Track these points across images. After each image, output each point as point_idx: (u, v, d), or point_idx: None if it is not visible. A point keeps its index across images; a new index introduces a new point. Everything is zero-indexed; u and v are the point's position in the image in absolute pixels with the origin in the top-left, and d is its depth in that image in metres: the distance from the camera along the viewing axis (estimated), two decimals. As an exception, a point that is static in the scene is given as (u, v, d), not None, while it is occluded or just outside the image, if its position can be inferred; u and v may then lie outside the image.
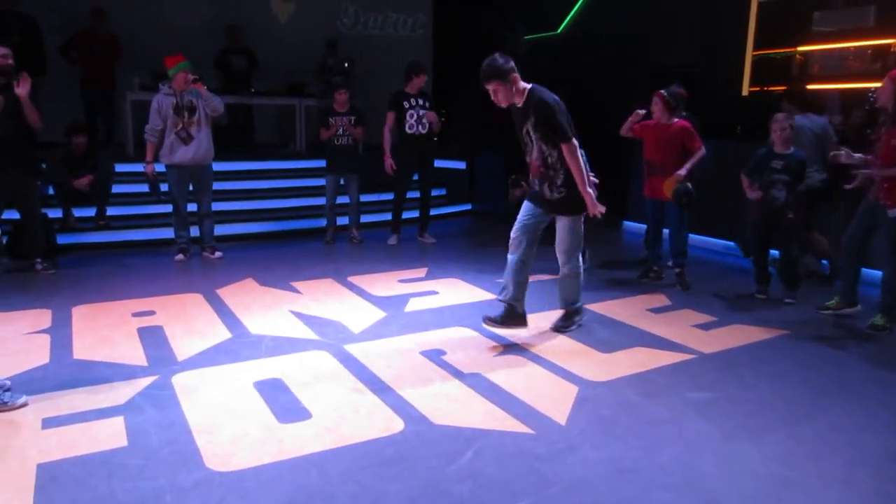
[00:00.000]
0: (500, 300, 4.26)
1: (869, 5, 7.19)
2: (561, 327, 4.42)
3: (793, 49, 7.92)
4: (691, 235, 7.17)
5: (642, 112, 5.56)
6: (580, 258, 4.37)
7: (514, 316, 4.23)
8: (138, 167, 7.03)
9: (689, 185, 5.29)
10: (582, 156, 4.02)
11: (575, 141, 3.95)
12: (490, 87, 3.95)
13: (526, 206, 4.27)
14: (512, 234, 4.25)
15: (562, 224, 4.21)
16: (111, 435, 2.93)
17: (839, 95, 7.32)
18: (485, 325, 4.26)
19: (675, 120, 5.44)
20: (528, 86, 4.00)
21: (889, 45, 7.00)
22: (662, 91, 5.45)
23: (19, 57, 5.50)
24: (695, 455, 2.89)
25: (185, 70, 5.86)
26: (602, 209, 4.07)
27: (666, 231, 5.74)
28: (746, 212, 5.49)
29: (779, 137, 5.05)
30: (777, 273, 5.36)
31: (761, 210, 5.16)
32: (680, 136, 5.37)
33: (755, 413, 3.31)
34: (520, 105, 4.02)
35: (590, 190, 4.02)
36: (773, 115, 5.14)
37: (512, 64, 3.94)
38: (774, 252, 5.34)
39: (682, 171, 5.27)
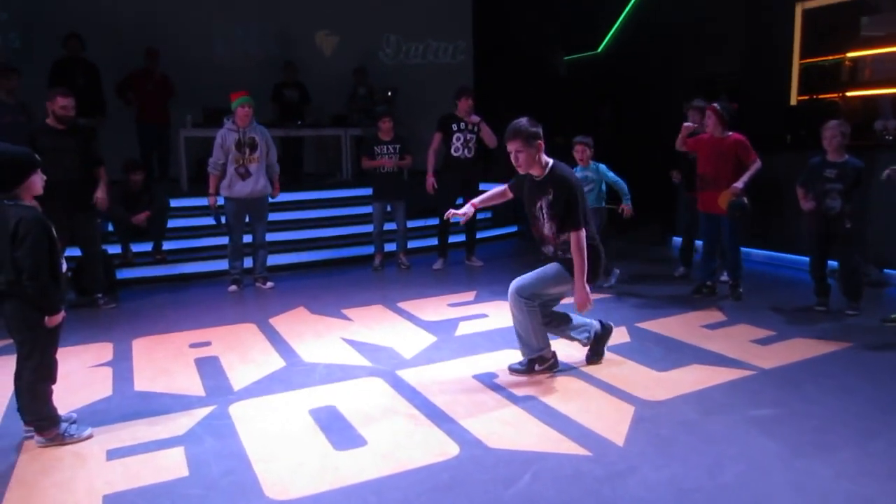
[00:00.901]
0: (584, 345, 4.17)
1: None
2: (515, 370, 4.04)
3: (842, 55, 7.72)
4: (745, 249, 7.05)
5: (690, 125, 5.51)
6: (534, 305, 3.90)
7: (595, 352, 4.18)
8: (192, 201, 7.25)
9: (745, 199, 5.19)
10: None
11: (584, 231, 3.74)
12: (512, 148, 3.80)
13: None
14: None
15: (553, 266, 3.93)
16: (173, 465, 2.99)
17: (891, 100, 7.10)
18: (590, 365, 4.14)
19: (730, 133, 5.36)
20: (550, 161, 3.88)
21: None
22: (715, 104, 5.40)
23: (82, 101, 5.77)
24: (761, 474, 2.79)
25: (244, 104, 6.03)
26: (590, 306, 3.80)
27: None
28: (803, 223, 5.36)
29: (830, 145, 4.92)
30: (838, 284, 5.18)
31: (817, 221, 5.01)
32: (735, 149, 5.29)
33: (822, 429, 3.19)
34: (538, 178, 3.88)
35: (587, 287, 3.77)
36: (823, 124, 5.02)
37: (538, 130, 3.80)
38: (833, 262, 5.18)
39: (739, 185, 5.18)
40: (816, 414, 3.36)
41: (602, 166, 5.92)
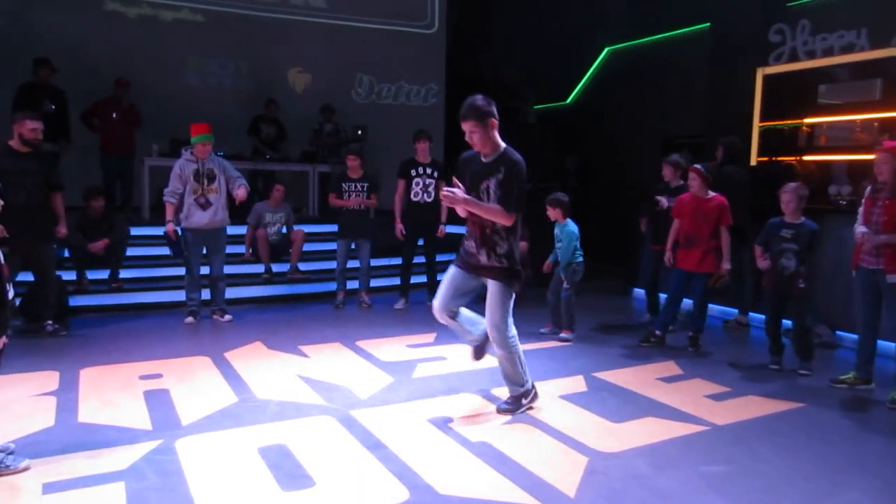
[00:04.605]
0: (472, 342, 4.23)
1: (874, 79, 7.32)
2: (504, 409, 4.07)
3: (799, 121, 8.04)
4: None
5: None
6: (513, 334, 3.99)
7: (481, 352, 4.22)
8: (153, 230, 7.14)
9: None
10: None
11: (513, 216, 3.76)
12: (466, 128, 3.76)
13: (450, 282, 4.12)
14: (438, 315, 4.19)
15: (492, 291, 3.92)
16: (110, 501, 2.88)
17: (846, 167, 7.38)
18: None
19: (712, 194, 5.55)
20: (504, 145, 3.87)
21: (895, 118, 7.09)
22: (698, 166, 5.57)
23: (47, 127, 5.72)
24: (709, 532, 2.79)
25: (205, 142, 6.04)
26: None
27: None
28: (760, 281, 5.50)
29: (787, 207, 5.06)
30: (791, 343, 5.28)
31: (772, 279, 5.13)
32: (718, 211, 5.49)
33: (770, 489, 3.21)
34: (487, 160, 3.84)
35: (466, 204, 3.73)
36: (780, 185, 5.19)
37: (493, 108, 3.76)
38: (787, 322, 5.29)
39: (728, 266, 5.47)
40: (766, 473, 3.39)
41: (573, 230, 5.88)
